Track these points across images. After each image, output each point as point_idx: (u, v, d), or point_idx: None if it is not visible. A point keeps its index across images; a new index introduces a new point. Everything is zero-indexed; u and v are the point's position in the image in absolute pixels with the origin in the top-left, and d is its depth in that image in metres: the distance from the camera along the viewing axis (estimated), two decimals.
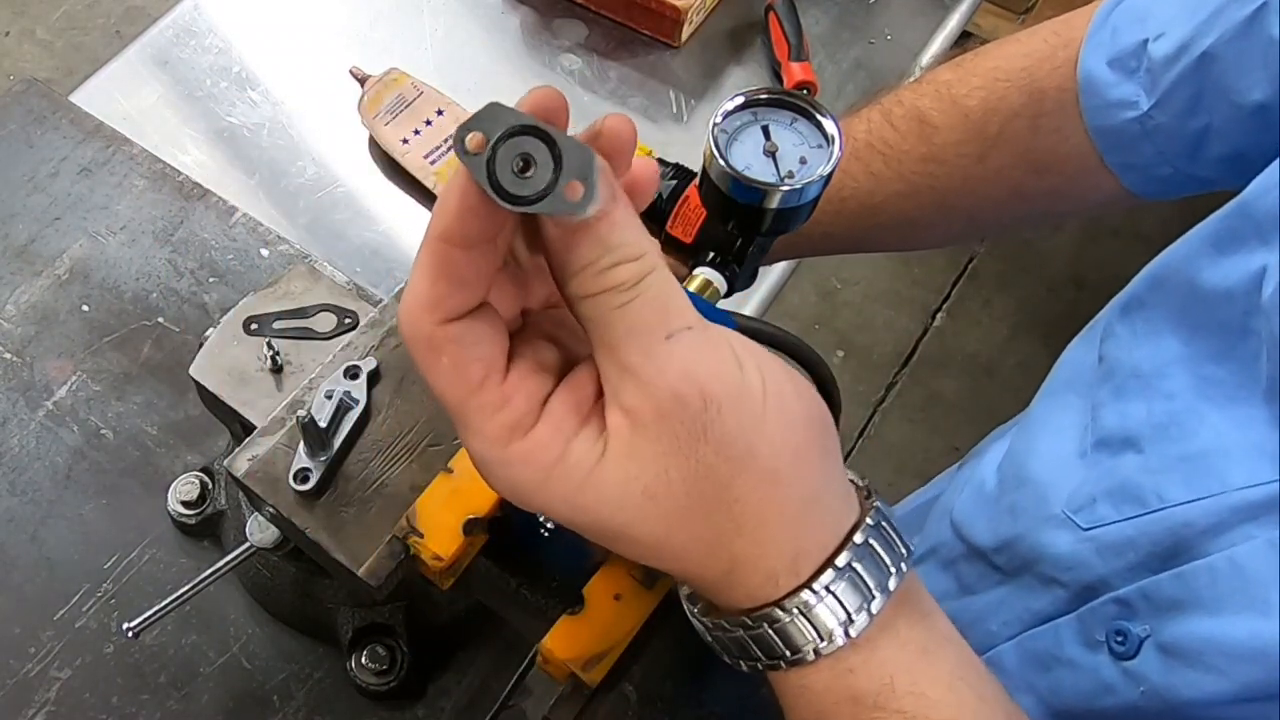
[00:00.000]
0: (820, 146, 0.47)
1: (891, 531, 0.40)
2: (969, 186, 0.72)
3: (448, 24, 1.15)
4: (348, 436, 0.56)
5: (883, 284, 2.35)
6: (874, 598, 0.38)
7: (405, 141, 1.02)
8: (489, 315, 0.36)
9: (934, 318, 2.33)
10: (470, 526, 0.51)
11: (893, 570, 0.39)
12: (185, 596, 0.67)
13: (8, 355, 0.86)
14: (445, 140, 1.03)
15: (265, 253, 0.92)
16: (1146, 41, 0.63)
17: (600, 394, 0.36)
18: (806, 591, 0.38)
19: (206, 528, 0.79)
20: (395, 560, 0.53)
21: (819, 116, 0.47)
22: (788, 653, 0.38)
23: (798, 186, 0.46)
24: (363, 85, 1.06)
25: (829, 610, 0.38)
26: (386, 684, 0.74)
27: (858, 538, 0.38)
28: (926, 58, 1.19)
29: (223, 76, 1.08)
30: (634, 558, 0.38)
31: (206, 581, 0.67)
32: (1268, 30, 0.56)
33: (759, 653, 0.39)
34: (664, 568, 0.39)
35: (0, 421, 0.83)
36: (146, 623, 0.66)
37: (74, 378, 0.85)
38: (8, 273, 0.90)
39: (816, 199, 0.48)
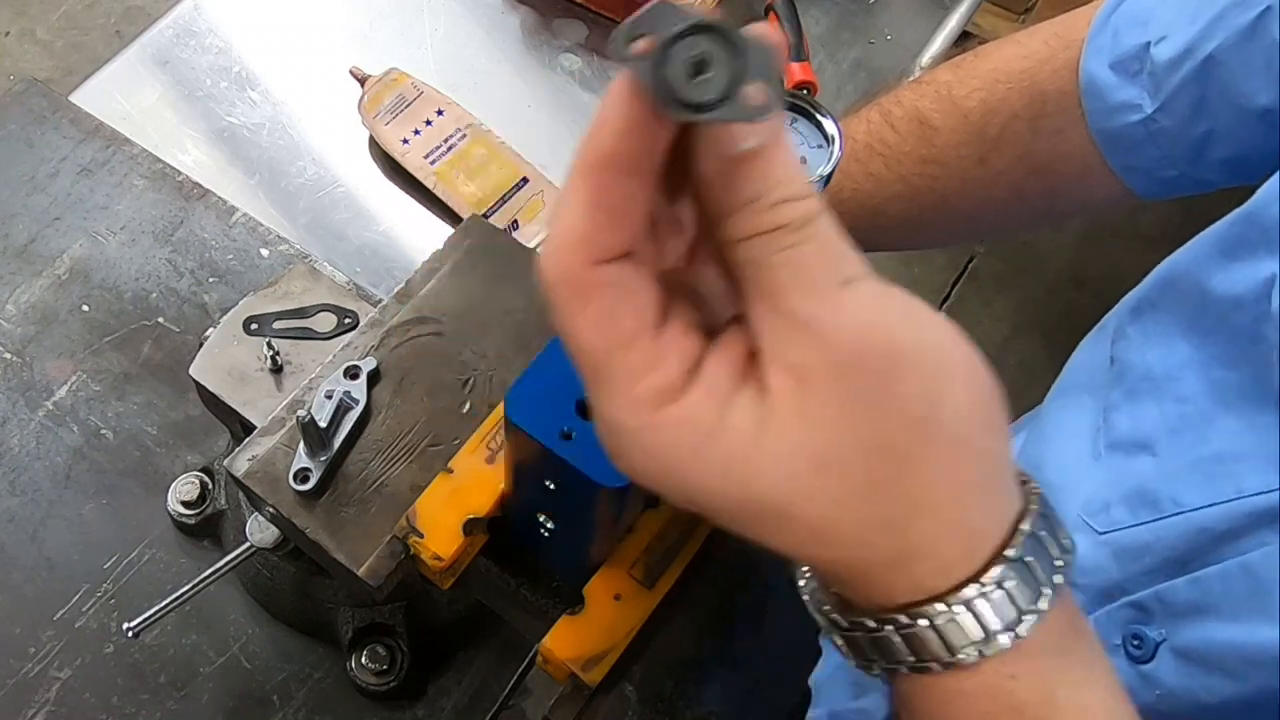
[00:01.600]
0: (820, 146, 0.47)
1: (1056, 521, 0.36)
2: (969, 188, 0.72)
3: (448, 24, 1.15)
4: (348, 436, 0.56)
5: None
6: (1042, 594, 0.34)
7: (405, 141, 1.02)
8: (641, 264, 0.32)
9: None
10: (470, 526, 0.51)
11: (1060, 564, 0.35)
12: (185, 596, 0.67)
13: (8, 355, 0.86)
14: (445, 140, 1.02)
15: (265, 253, 0.92)
16: (1149, 45, 0.63)
17: (752, 355, 0.32)
18: (975, 585, 0.33)
19: (206, 528, 0.79)
20: (395, 560, 0.53)
21: (819, 116, 0.47)
22: (945, 654, 0.34)
23: None
24: (363, 85, 1.06)
25: (997, 606, 0.33)
26: (386, 684, 0.74)
27: (1025, 525, 0.34)
28: (926, 58, 1.19)
29: (223, 76, 1.08)
30: (783, 545, 0.33)
31: (206, 581, 0.67)
32: (1271, 35, 0.56)
33: (908, 653, 0.34)
34: (815, 556, 0.34)
35: (0, 421, 0.83)
36: (146, 623, 0.66)
37: (74, 378, 0.85)
38: (8, 273, 0.90)
39: None
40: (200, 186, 0.95)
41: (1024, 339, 2.29)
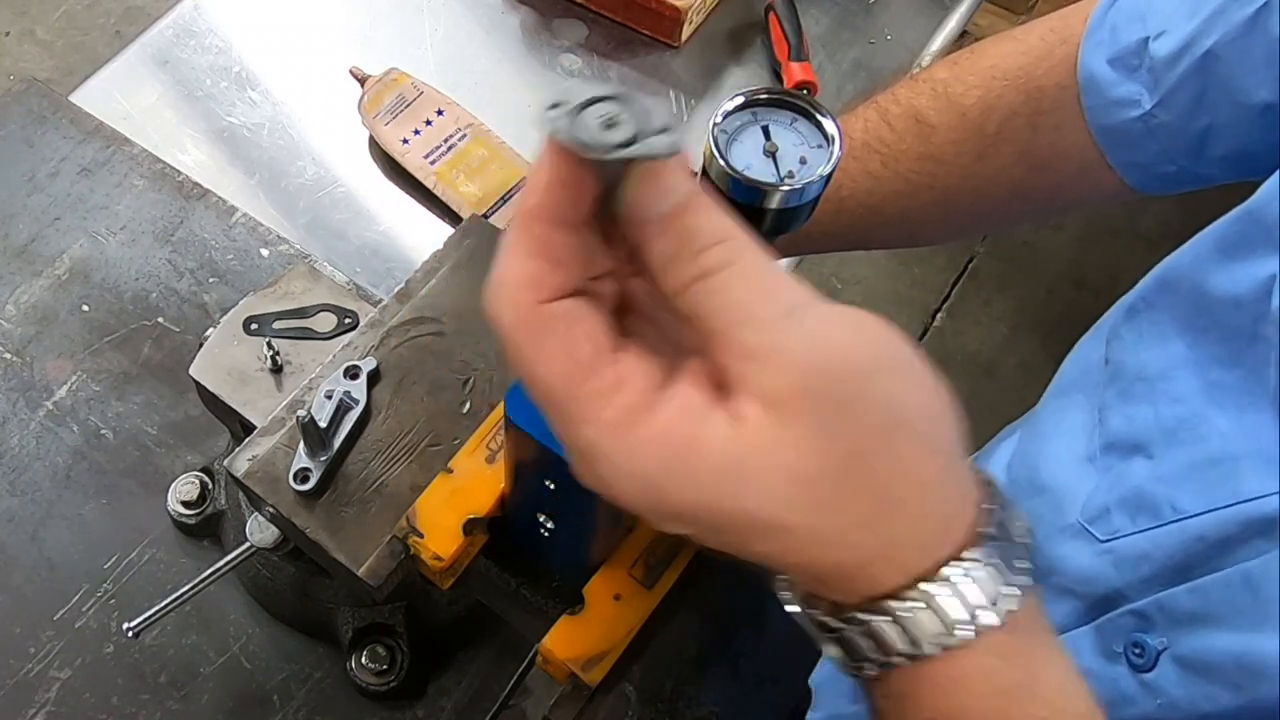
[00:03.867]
0: (820, 146, 0.47)
1: (1012, 503, 0.37)
2: (968, 185, 0.72)
3: (448, 24, 1.15)
4: (348, 436, 0.56)
5: (883, 284, 2.35)
6: (1016, 570, 0.35)
7: (405, 141, 1.02)
8: (590, 297, 0.34)
9: (934, 318, 2.33)
10: (470, 526, 0.51)
11: (1025, 543, 0.36)
12: (185, 596, 0.67)
13: (8, 355, 0.86)
14: (445, 140, 1.03)
15: (265, 253, 0.92)
16: (1147, 40, 0.63)
17: (721, 383, 0.34)
18: (957, 563, 0.35)
19: (206, 528, 0.79)
20: (395, 560, 0.53)
21: (819, 116, 0.46)
22: (942, 631, 0.34)
23: (798, 186, 0.46)
24: (363, 85, 1.06)
25: (981, 582, 0.34)
26: (386, 684, 0.74)
27: (990, 506, 0.36)
28: (926, 58, 1.19)
29: (223, 76, 1.08)
30: (768, 553, 0.35)
31: (206, 581, 0.67)
32: (1270, 30, 0.55)
33: (905, 643, 0.35)
34: (801, 561, 0.35)
35: (0, 421, 0.83)
36: (146, 623, 0.66)
37: (74, 378, 0.85)
38: (8, 273, 0.90)
39: (817, 199, 0.48)
40: (200, 186, 0.95)
41: (1024, 339, 2.30)
